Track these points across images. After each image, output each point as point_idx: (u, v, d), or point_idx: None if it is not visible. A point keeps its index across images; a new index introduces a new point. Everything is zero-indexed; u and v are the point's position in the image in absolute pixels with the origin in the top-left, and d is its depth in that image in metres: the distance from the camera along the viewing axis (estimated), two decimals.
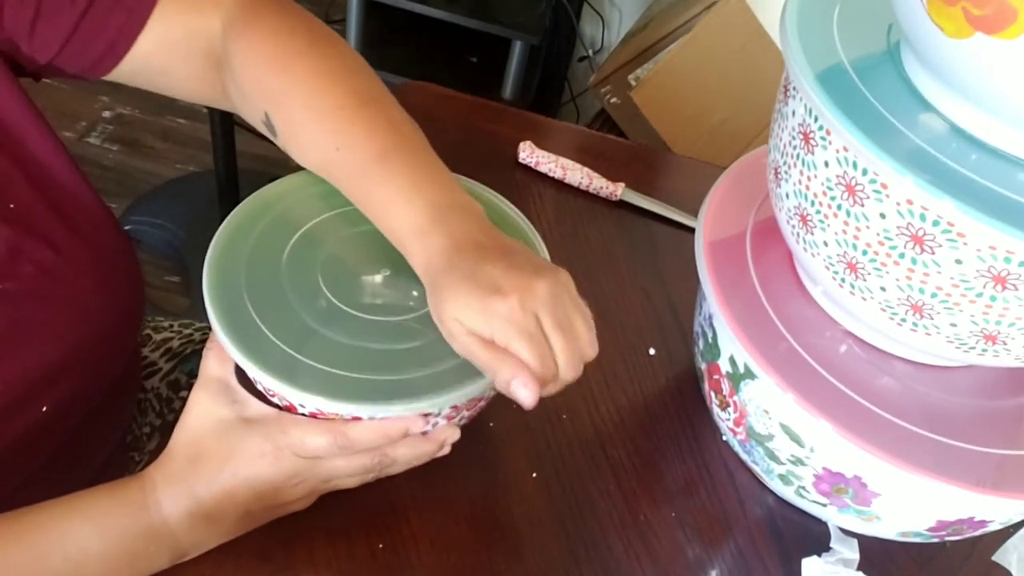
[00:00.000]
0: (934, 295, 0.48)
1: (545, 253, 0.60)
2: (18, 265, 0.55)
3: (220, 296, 0.53)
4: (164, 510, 0.51)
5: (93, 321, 0.60)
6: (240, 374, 0.53)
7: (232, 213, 0.58)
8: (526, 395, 0.47)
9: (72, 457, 0.65)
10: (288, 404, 0.52)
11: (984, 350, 0.51)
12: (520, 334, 0.47)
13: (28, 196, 0.56)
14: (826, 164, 0.50)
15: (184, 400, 0.79)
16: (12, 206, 0.55)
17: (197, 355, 0.84)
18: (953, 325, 0.50)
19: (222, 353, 0.53)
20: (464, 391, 0.52)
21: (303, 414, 0.52)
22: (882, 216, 0.47)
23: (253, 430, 0.51)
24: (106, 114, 1.98)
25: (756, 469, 0.65)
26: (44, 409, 0.58)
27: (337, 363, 0.52)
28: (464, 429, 0.67)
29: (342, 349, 0.53)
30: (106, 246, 0.61)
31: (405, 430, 0.51)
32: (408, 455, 0.54)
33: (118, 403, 0.73)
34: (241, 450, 0.51)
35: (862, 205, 0.48)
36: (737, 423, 0.62)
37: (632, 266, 0.83)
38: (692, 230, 0.70)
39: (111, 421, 0.72)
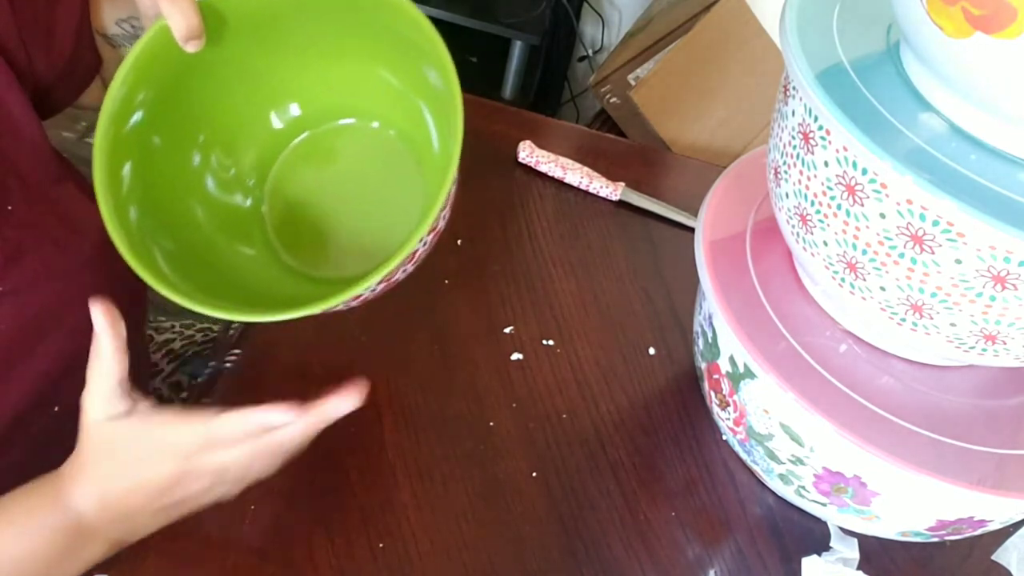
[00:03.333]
0: (934, 295, 0.48)
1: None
2: (23, 264, 0.55)
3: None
4: (78, 505, 0.51)
5: None
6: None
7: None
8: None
9: None
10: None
11: (984, 350, 0.51)
12: None
13: (26, 199, 0.56)
14: (826, 164, 0.50)
15: (184, 402, 0.80)
16: (10, 208, 0.55)
17: (198, 357, 0.84)
18: (953, 325, 0.50)
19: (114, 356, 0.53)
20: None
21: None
22: (882, 216, 0.47)
23: (146, 429, 0.51)
24: None
25: (756, 469, 0.65)
26: (56, 409, 0.58)
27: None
28: (464, 430, 0.67)
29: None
30: (103, 238, 0.62)
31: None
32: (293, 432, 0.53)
33: None
34: (137, 452, 0.51)
35: (862, 205, 0.48)
36: (737, 423, 0.62)
37: (632, 266, 0.83)
38: (692, 230, 0.70)
39: None
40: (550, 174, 0.89)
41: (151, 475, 0.51)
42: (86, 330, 0.60)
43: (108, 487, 0.51)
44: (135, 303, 0.67)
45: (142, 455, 0.51)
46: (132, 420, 0.51)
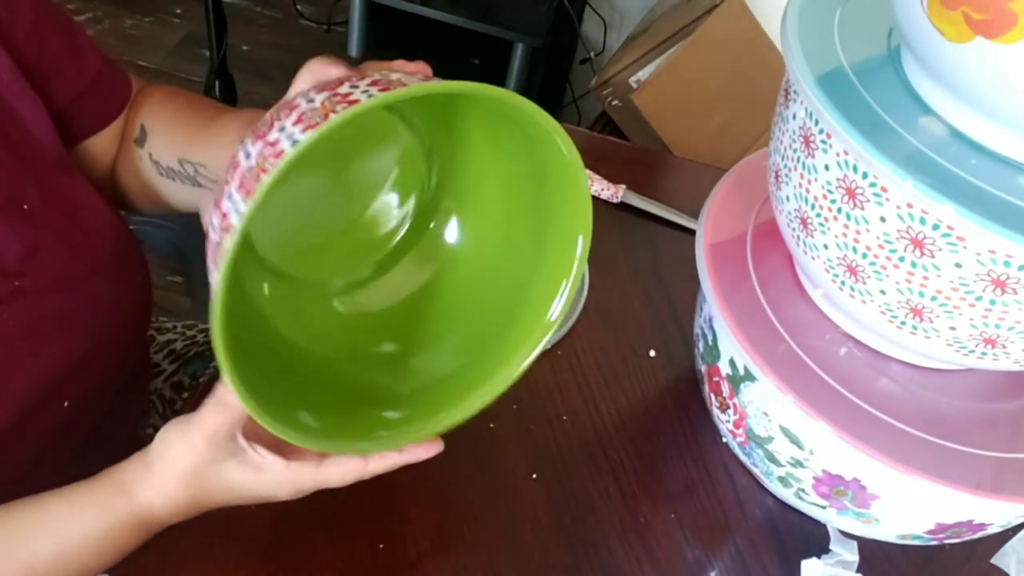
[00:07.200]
0: (934, 298, 0.49)
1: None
2: (36, 263, 0.56)
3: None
4: (164, 522, 0.52)
5: (108, 317, 0.61)
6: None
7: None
8: None
9: (91, 459, 0.66)
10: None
11: (983, 354, 0.51)
12: None
13: (40, 199, 0.56)
14: (826, 167, 0.50)
15: (185, 402, 0.80)
16: (26, 207, 0.55)
17: (200, 357, 0.84)
18: (952, 328, 0.50)
19: (229, 400, 0.47)
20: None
21: None
22: (882, 219, 0.47)
23: (257, 476, 0.51)
24: None
25: (756, 471, 0.65)
26: (65, 404, 0.59)
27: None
28: (464, 431, 0.67)
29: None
30: (116, 243, 0.62)
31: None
32: None
33: (130, 401, 0.73)
34: (244, 490, 0.51)
35: (862, 208, 0.48)
36: (737, 425, 0.62)
37: (633, 268, 0.83)
38: (693, 232, 0.70)
39: (124, 421, 0.73)
40: None
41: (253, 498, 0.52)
42: (95, 335, 0.60)
43: (199, 500, 0.51)
44: (143, 310, 0.67)
45: (259, 491, 0.51)
46: (254, 464, 0.50)
